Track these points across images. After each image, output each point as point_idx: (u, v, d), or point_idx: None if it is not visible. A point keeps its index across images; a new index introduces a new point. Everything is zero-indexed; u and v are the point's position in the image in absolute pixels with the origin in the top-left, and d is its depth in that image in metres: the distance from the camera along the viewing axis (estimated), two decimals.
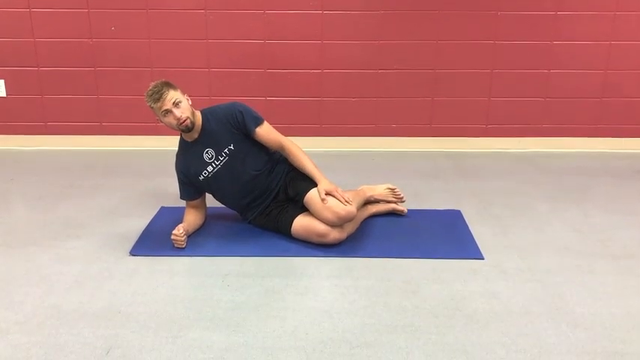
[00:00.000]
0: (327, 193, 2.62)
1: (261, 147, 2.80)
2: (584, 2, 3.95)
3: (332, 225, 2.61)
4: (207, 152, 2.71)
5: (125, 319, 2.10)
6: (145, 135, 4.25)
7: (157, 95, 2.56)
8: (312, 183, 2.71)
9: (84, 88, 4.16)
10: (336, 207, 2.58)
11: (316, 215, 2.63)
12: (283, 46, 4.06)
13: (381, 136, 4.26)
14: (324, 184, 2.67)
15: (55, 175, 3.71)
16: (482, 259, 2.56)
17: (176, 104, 2.58)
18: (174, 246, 2.63)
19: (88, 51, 4.07)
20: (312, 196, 2.65)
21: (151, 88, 2.59)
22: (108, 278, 2.40)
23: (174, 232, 2.61)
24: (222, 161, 2.72)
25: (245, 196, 2.79)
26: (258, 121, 2.73)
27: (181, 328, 2.05)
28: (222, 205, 2.93)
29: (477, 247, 2.66)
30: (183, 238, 2.62)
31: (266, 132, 2.73)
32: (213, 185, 2.77)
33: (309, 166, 2.74)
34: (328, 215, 2.59)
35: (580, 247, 2.68)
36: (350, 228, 2.74)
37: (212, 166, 2.72)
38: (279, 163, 2.85)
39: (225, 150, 2.71)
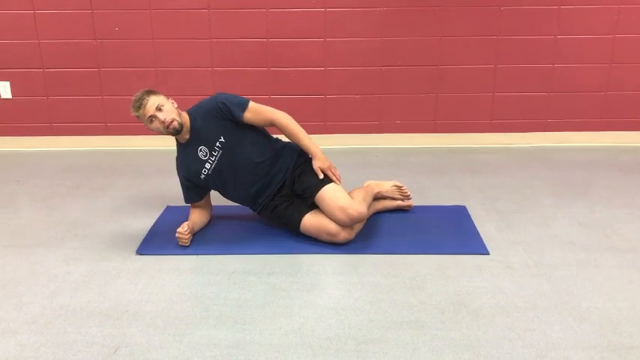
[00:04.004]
0: (322, 171, 2.70)
1: (257, 133, 2.78)
2: None
3: (343, 225, 2.61)
4: (200, 150, 2.71)
5: (132, 317, 2.12)
6: (149, 135, 4.24)
7: (138, 103, 2.57)
8: (321, 180, 2.70)
9: (89, 89, 4.17)
10: (348, 208, 2.58)
11: (328, 215, 2.63)
12: (286, 44, 4.06)
13: (385, 132, 4.26)
14: (319, 159, 2.72)
15: (60, 175, 3.73)
16: (488, 254, 2.56)
17: (159, 109, 2.57)
18: (178, 244, 2.65)
19: (92, 52, 4.09)
20: (324, 195, 2.65)
21: (133, 98, 2.60)
22: (115, 277, 2.41)
23: (178, 229, 2.62)
24: (216, 156, 2.70)
25: (250, 187, 2.76)
26: (244, 106, 2.69)
27: (188, 326, 2.06)
28: (228, 204, 2.94)
29: (483, 243, 2.66)
30: (187, 236, 2.63)
31: (254, 113, 2.69)
32: (217, 181, 2.76)
33: (305, 140, 2.75)
34: (340, 215, 2.59)
35: (586, 242, 2.67)
36: (358, 227, 2.74)
37: (209, 162, 2.71)
38: (284, 154, 2.82)
39: (217, 144, 2.69)
